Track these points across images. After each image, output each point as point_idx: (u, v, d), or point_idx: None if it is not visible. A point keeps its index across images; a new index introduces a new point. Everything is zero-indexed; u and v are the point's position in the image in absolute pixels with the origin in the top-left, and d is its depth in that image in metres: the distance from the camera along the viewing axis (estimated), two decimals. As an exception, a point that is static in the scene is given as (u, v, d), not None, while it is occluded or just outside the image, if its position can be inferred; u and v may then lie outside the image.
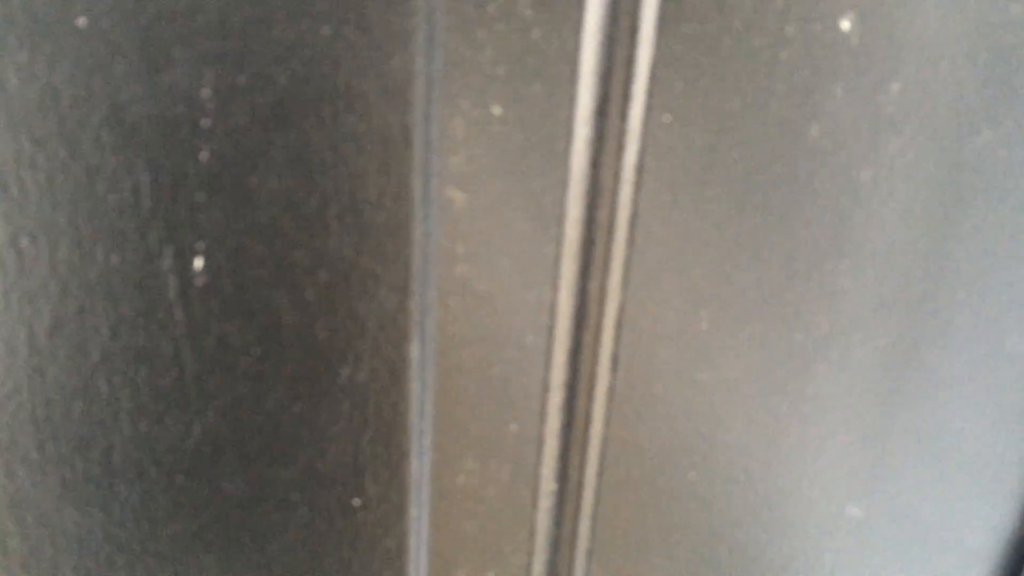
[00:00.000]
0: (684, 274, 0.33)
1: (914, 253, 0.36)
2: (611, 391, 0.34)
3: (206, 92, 0.23)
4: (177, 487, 0.29)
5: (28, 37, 0.22)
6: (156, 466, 0.28)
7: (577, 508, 0.37)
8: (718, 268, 0.33)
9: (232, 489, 0.29)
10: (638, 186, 0.31)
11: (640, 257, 0.32)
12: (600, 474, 0.36)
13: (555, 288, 0.32)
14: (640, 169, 0.31)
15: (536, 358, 0.33)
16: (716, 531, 0.40)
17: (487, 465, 0.34)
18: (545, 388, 0.34)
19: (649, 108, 0.30)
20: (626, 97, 0.29)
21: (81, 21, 0.22)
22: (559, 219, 0.31)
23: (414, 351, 0.30)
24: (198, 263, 0.25)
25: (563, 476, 0.36)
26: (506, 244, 0.30)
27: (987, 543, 0.47)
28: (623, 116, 0.30)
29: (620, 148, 0.30)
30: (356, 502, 0.31)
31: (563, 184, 0.30)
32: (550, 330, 0.32)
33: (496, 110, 0.28)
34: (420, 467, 0.33)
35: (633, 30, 0.28)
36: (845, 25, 0.31)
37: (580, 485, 0.36)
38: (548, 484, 0.36)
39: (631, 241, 0.32)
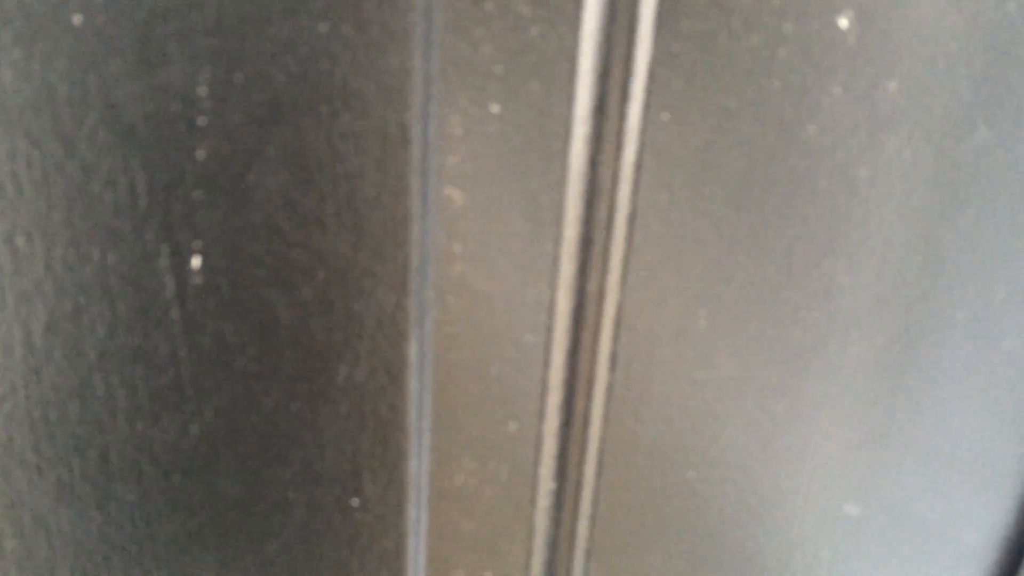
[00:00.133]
0: (682, 273, 0.33)
1: (911, 251, 0.36)
2: (609, 390, 0.34)
3: (202, 90, 0.23)
4: (174, 487, 0.28)
5: (23, 35, 0.22)
6: (153, 466, 0.28)
7: (576, 507, 0.37)
8: (716, 267, 0.33)
9: (229, 489, 0.29)
10: (636, 184, 0.31)
11: (638, 256, 0.32)
12: (598, 473, 0.36)
13: (553, 287, 0.32)
14: (638, 167, 0.31)
15: (534, 357, 0.33)
16: (714, 530, 0.40)
17: (485, 464, 0.34)
18: (543, 387, 0.34)
19: (647, 106, 0.30)
20: (624, 95, 0.29)
21: (77, 19, 0.22)
22: (557, 218, 0.31)
23: (412, 350, 0.30)
24: (195, 262, 0.25)
25: (561, 475, 0.36)
26: (504, 243, 0.30)
27: (984, 541, 0.47)
28: (621, 114, 0.30)
29: (618, 147, 0.30)
30: (354, 502, 0.31)
31: (561, 183, 0.30)
32: (548, 329, 0.32)
33: (494, 108, 0.28)
34: (418, 466, 0.32)
35: (631, 28, 0.28)
36: (843, 23, 0.31)
37: (578, 484, 0.36)
38: (546, 483, 0.36)
39: (629, 240, 0.32)
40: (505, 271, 0.31)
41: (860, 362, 0.38)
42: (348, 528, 0.32)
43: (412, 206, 0.27)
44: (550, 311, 0.32)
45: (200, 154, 0.24)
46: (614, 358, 0.34)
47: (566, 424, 0.35)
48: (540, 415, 0.34)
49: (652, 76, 0.29)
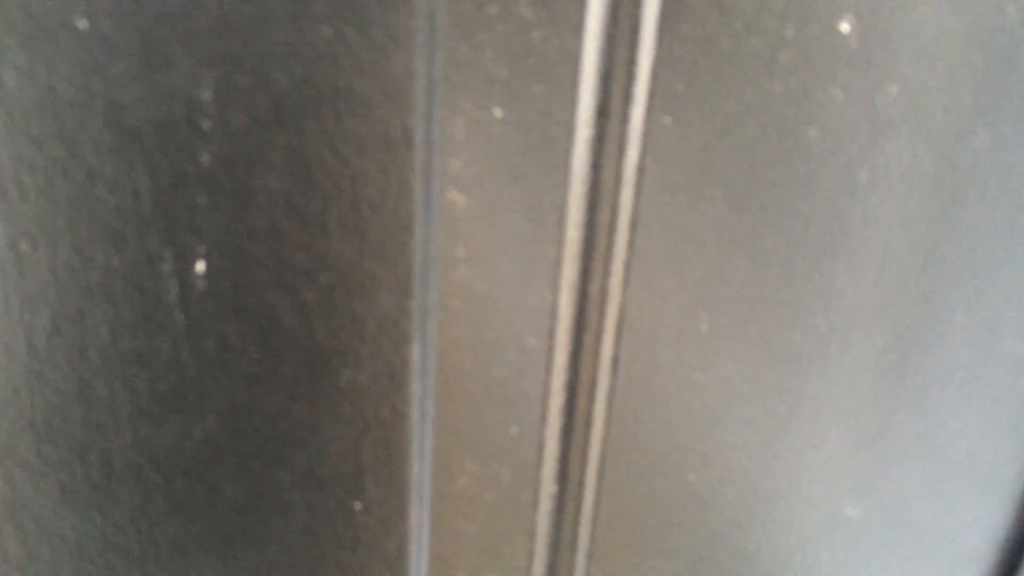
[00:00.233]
0: (684, 276, 0.33)
1: (911, 254, 0.36)
2: (611, 393, 0.34)
3: (206, 94, 0.23)
4: (177, 490, 0.28)
5: (27, 39, 0.22)
6: (156, 470, 0.28)
7: (577, 510, 0.37)
8: (717, 270, 0.33)
9: (232, 492, 0.29)
10: (639, 187, 0.31)
11: (640, 259, 0.32)
12: (600, 476, 0.36)
13: (556, 290, 0.32)
14: (641, 170, 0.31)
15: (537, 360, 0.33)
16: (715, 532, 0.40)
17: (487, 467, 0.34)
18: (545, 390, 0.34)
19: (650, 110, 0.30)
20: (627, 99, 0.29)
21: (81, 23, 0.22)
22: (560, 221, 0.31)
23: (415, 353, 0.30)
24: (199, 266, 0.25)
25: (563, 478, 0.36)
26: (507, 246, 0.30)
27: (983, 542, 0.47)
28: (624, 118, 0.30)
29: (621, 150, 0.30)
30: (356, 505, 0.31)
31: (564, 186, 0.30)
32: (551, 332, 0.32)
33: (497, 112, 0.28)
34: (420, 470, 0.32)
35: (634, 32, 0.28)
36: (844, 27, 0.31)
37: (580, 487, 0.36)
38: (548, 486, 0.36)
39: (631, 243, 0.32)
40: (507, 274, 0.31)
41: (860, 364, 0.38)
42: (350, 531, 0.32)
43: (415, 210, 0.28)
44: (552, 314, 0.32)
45: (204, 158, 0.24)
46: (616, 361, 0.34)
47: (568, 427, 0.35)
48: (542, 418, 0.34)
49: (654, 79, 0.29)
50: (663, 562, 0.39)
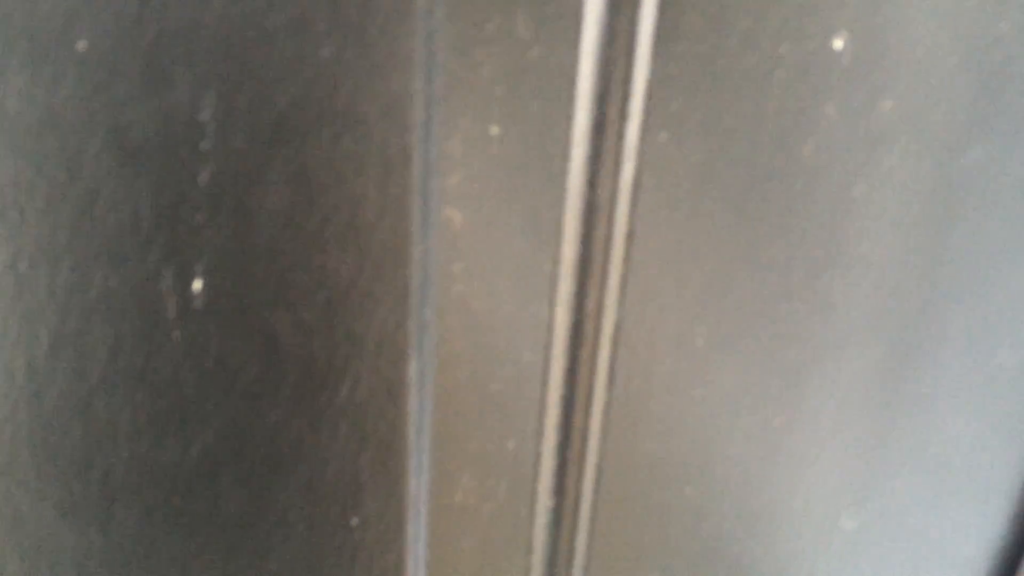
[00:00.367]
0: (680, 290, 0.33)
1: (907, 267, 0.37)
2: (608, 407, 0.35)
3: (206, 114, 0.23)
4: (176, 507, 0.28)
5: (28, 60, 0.22)
6: (155, 487, 0.28)
7: (574, 524, 0.37)
8: (714, 284, 0.34)
9: (231, 508, 0.29)
10: (635, 203, 0.31)
11: (636, 274, 0.32)
12: (597, 490, 0.36)
13: (552, 305, 0.32)
14: (637, 186, 0.31)
15: (533, 375, 0.33)
16: (712, 544, 0.40)
17: (485, 482, 0.34)
18: (542, 405, 0.34)
19: (646, 126, 0.30)
20: (623, 116, 0.30)
21: (81, 44, 0.22)
22: (556, 237, 0.31)
23: (412, 369, 0.30)
24: (197, 284, 0.25)
25: (560, 492, 0.36)
26: (503, 262, 0.31)
27: (979, 553, 0.47)
28: (620, 134, 0.30)
29: (617, 166, 0.30)
30: (354, 520, 0.31)
31: (560, 202, 0.30)
32: (547, 347, 0.33)
33: (494, 130, 0.28)
34: (418, 484, 0.33)
35: (630, 50, 0.29)
36: (838, 44, 0.31)
37: (577, 501, 0.36)
38: (545, 500, 0.36)
39: (628, 258, 0.32)
40: (504, 290, 0.31)
41: (856, 377, 0.38)
42: (348, 546, 0.32)
43: (413, 227, 0.28)
44: (549, 329, 0.32)
45: (203, 177, 0.24)
46: (612, 375, 0.34)
47: (564, 441, 0.35)
48: (539, 432, 0.34)
49: (650, 96, 0.29)
50: (660, 575, 0.40)
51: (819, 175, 0.33)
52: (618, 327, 0.33)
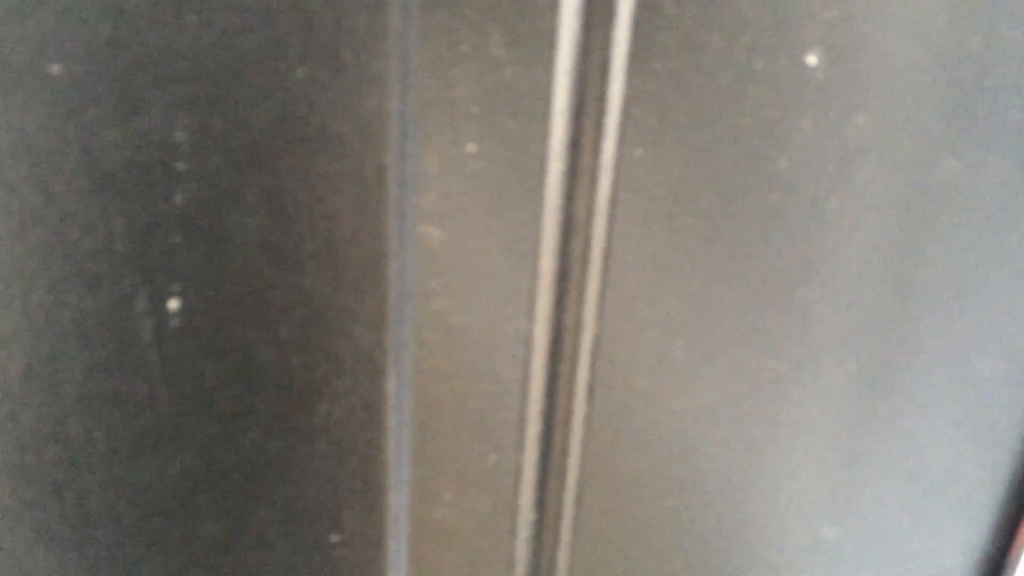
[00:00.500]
0: (658, 304, 0.33)
1: (883, 280, 0.37)
2: (588, 421, 0.35)
3: (181, 136, 0.23)
4: (153, 529, 0.28)
5: (1, 84, 0.22)
6: (132, 508, 0.28)
7: (556, 538, 0.37)
8: (692, 298, 0.34)
9: (209, 529, 0.29)
10: (611, 219, 0.31)
11: (614, 289, 0.32)
12: (578, 503, 0.36)
13: (531, 321, 0.32)
14: (613, 202, 0.31)
15: (513, 390, 0.33)
16: (694, 557, 0.40)
17: (466, 497, 0.34)
18: (522, 419, 0.34)
19: (621, 143, 0.30)
20: (598, 132, 0.30)
21: (54, 68, 0.22)
22: (534, 253, 0.31)
23: (391, 386, 0.30)
24: (173, 305, 0.25)
25: (542, 506, 0.36)
26: (482, 278, 0.31)
27: (961, 561, 0.47)
28: (596, 151, 0.30)
29: (593, 182, 0.30)
30: (334, 538, 0.31)
31: (537, 218, 0.30)
32: (526, 362, 0.33)
33: (470, 147, 0.28)
34: (398, 501, 0.33)
35: (604, 67, 0.29)
36: (811, 60, 0.31)
37: (559, 515, 0.36)
38: (527, 514, 0.36)
39: (605, 273, 0.32)
40: (483, 306, 0.31)
41: (835, 388, 0.39)
42: (329, 564, 0.32)
43: (389, 245, 0.28)
44: (528, 344, 0.32)
45: (178, 199, 0.24)
46: (592, 390, 0.34)
47: (545, 455, 0.35)
48: (519, 447, 0.34)
49: (625, 113, 0.30)
50: (642, 588, 0.40)
51: (794, 189, 0.33)
52: (597, 341, 0.33)
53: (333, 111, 0.25)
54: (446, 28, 0.26)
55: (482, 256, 0.30)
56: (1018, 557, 0.47)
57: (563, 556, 0.37)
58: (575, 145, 0.30)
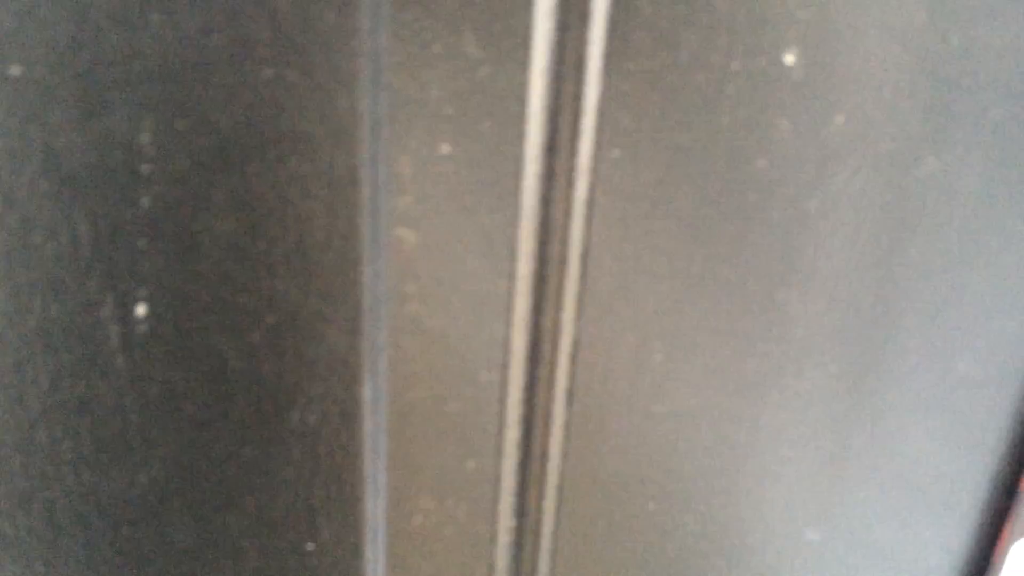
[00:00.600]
0: (637, 307, 0.33)
1: (863, 280, 0.37)
2: (567, 425, 0.34)
3: (145, 138, 0.23)
4: (124, 538, 0.28)
5: (-41, 85, 0.21)
6: (101, 517, 0.27)
7: (536, 543, 0.36)
8: (671, 300, 0.34)
9: (181, 538, 0.29)
10: (589, 221, 0.31)
11: (593, 291, 0.32)
12: (558, 508, 0.36)
13: (508, 324, 0.32)
14: (591, 204, 0.31)
15: (491, 394, 0.33)
16: (676, 561, 0.40)
17: (444, 503, 0.34)
18: (501, 424, 0.33)
19: (598, 144, 0.30)
20: (575, 133, 0.29)
21: (14, 69, 0.21)
22: (511, 255, 0.31)
23: (366, 392, 0.30)
24: (140, 310, 0.25)
25: (521, 512, 0.35)
26: (458, 282, 0.30)
27: (944, 563, 0.47)
28: (572, 152, 0.30)
29: (570, 184, 0.30)
30: (310, 546, 0.31)
31: (514, 220, 0.30)
32: (504, 366, 0.32)
33: (445, 148, 0.28)
34: (375, 508, 0.32)
35: (580, 67, 0.28)
36: (789, 59, 0.31)
37: (539, 520, 0.36)
38: (507, 520, 0.35)
39: (583, 276, 0.32)
40: (459, 310, 0.31)
41: (816, 390, 0.38)
42: (305, 573, 0.31)
43: (363, 248, 0.27)
44: (506, 348, 0.32)
45: (144, 202, 0.24)
46: (571, 393, 0.34)
47: (524, 460, 0.34)
48: (498, 452, 0.34)
49: (602, 114, 0.29)
50: (624, 593, 0.39)
51: (773, 190, 0.33)
52: (576, 344, 0.33)
53: (303, 112, 0.24)
54: (418, 27, 0.26)
55: (458, 259, 0.30)
56: (1002, 558, 0.47)
57: (544, 562, 0.37)
58: (551, 146, 0.29)
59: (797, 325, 0.36)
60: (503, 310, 0.31)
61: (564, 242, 0.31)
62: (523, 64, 0.28)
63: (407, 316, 0.30)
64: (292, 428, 0.29)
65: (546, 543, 0.36)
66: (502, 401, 0.33)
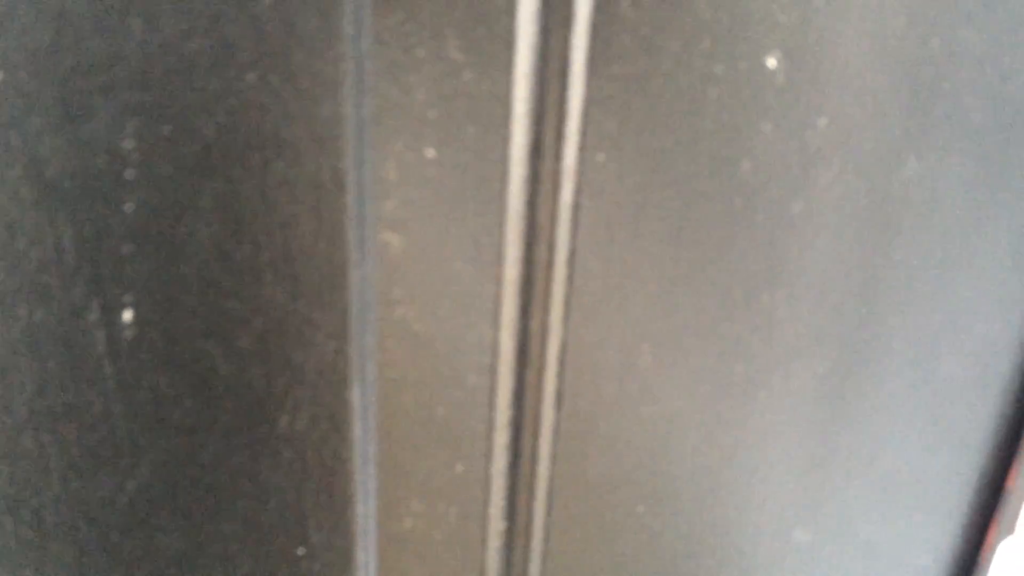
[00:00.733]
0: (624, 310, 0.33)
1: (847, 282, 0.37)
2: (556, 428, 0.34)
3: (129, 143, 0.23)
4: (112, 545, 0.28)
5: (-57, 92, 0.21)
6: (89, 525, 0.27)
7: (527, 546, 0.36)
8: (657, 303, 0.34)
9: (170, 545, 0.29)
10: (575, 224, 0.31)
11: (580, 294, 0.32)
12: (548, 511, 0.36)
13: (496, 328, 0.32)
14: (576, 208, 0.31)
15: (480, 398, 0.33)
16: (666, 562, 0.40)
17: (434, 507, 0.34)
18: (490, 427, 0.33)
19: (583, 147, 0.30)
20: (560, 137, 0.30)
21: (-2, 75, 0.21)
22: (497, 259, 0.31)
23: (355, 396, 0.30)
24: (127, 316, 0.25)
25: (511, 515, 0.35)
26: (445, 286, 0.30)
27: (931, 561, 0.47)
28: (557, 156, 0.30)
29: (556, 187, 0.30)
30: (300, 551, 0.31)
31: (500, 224, 0.30)
32: (492, 370, 0.32)
33: (430, 153, 0.28)
34: (365, 512, 0.32)
35: (563, 71, 0.29)
36: (771, 63, 0.31)
37: (529, 523, 0.36)
38: (497, 523, 0.35)
39: (570, 279, 0.32)
40: (447, 313, 0.31)
41: (803, 391, 0.39)
42: (294, 578, 0.31)
43: (349, 252, 0.27)
44: (494, 352, 0.32)
45: (128, 207, 0.24)
46: (559, 396, 0.34)
47: (514, 464, 0.34)
48: (487, 455, 0.34)
49: (586, 118, 0.30)
50: (615, 595, 0.39)
51: (757, 192, 0.33)
52: (563, 347, 0.33)
53: (286, 116, 0.25)
54: (401, 31, 0.26)
55: (445, 263, 0.30)
56: (989, 557, 0.47)
57: (535, 565, 0.37)
58: (536, 150, 0.30)
59: (783, 326, 0.36)
60: (490, 314, 0.31)
61: (550, 245, 0.31)
62: (507, 68, 0.28)
63: (395, 320, 0.30)
64: (281, 433, 0.29)
65: (536, 545, 0.36)
66: (491, 404, 0.33)
